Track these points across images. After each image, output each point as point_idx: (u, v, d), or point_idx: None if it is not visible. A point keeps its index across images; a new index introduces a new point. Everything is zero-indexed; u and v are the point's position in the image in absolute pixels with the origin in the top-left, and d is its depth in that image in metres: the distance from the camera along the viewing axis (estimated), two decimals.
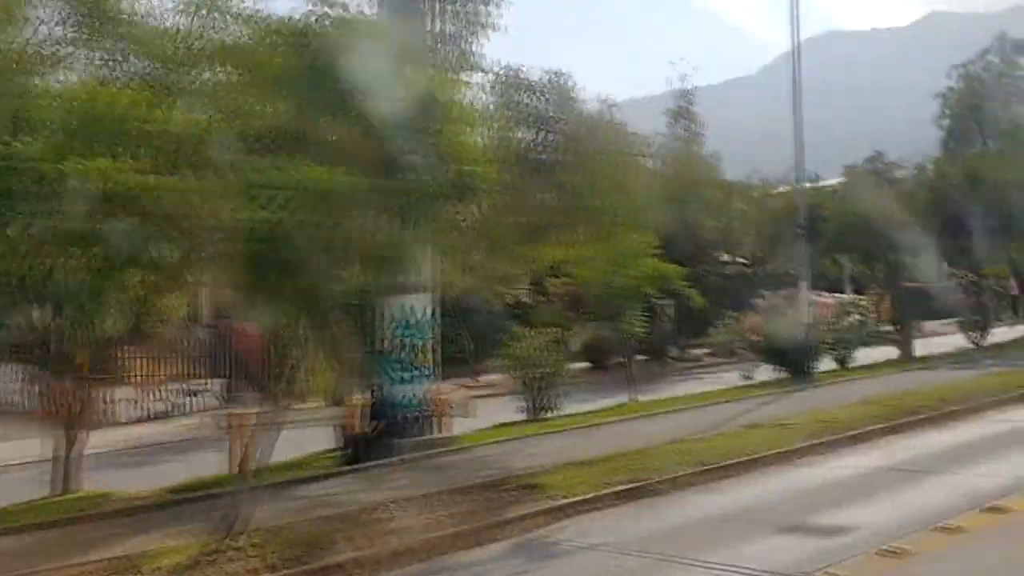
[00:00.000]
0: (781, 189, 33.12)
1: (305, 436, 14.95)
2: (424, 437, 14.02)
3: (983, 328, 28.86)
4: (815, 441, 13.21)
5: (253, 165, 7.85)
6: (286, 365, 10.97)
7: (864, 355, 26.70)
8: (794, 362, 21.40)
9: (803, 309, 21.10)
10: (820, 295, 24.76)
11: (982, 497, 9.66)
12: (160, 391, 22.46)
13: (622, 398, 20.62)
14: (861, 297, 24.31)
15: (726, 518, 9.67)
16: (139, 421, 20.94)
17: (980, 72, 35.09)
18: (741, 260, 39.02)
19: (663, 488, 10.86)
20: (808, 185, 32.58)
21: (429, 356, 14.14)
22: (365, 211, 8.48)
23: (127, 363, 22.87)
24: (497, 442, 14.55)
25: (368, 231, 8.48)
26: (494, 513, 9.92)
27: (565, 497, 10.32)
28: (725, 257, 35.15)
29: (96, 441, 17.04)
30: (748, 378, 21.98)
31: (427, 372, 14.10)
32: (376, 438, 13.57)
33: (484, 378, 28.62)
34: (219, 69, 9.94)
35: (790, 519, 9.32)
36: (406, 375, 13.88)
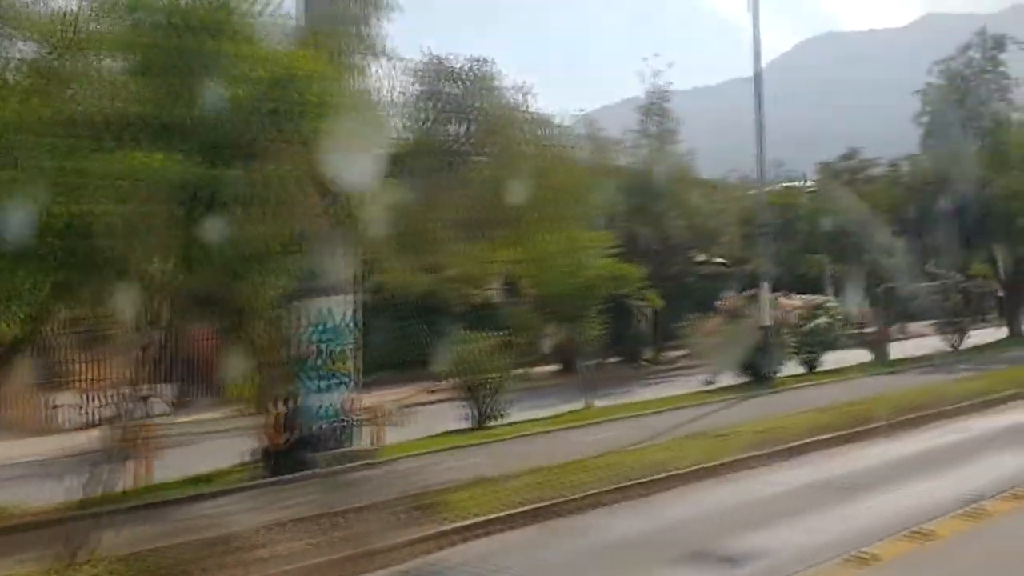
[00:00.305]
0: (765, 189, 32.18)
1: (226, 447, 14.15)
2: (343, 449, 13.11)
3: (961, 330, 27.84)
4: (753, 453, 12.29)
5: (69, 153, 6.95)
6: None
7: (837, 358, 25.75)
8: (755, 366, 20.45)
9: (764, 311, 20.13)
10: (789, 296, 23.80)
11: (914, 518, 8.76)
12: (107, 396, 21.55)
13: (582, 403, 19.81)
14: (831, 298, 23.32)
15: (631, 543, 8.77)
16: (82, 427, 20.05)
17: (961, 68, 34.11)
18: (720, 260, 38.08)
19: (575, 508, 9.96)
20: (787, 184, 31.77)
21: (349, 363, 13.22)
22: (216, 202, 7.57)
23: (72, 367, 22.08)
24: (422, 454, 13.63)
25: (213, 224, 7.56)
26: (384, 536, 9.03)
27: (465, 519, 9.42)
28: (701, 257, 34.19)
29: (31, 449, 16.30)
30: (710, 383, 21.04)
31: (346, 380, 13.18)
32: (289, 451, 12.68)
33: (448, 381, 27.73)
34: (103, 53, 9.11)
35: (697, 544, 8.42)
36: (323, 383, 12.97)
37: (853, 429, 13.75)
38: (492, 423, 17.35)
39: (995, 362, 22.67)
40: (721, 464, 11.65)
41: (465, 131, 12.35)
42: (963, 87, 34.02)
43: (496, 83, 12.51)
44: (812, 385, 20.05)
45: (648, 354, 31.99)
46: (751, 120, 24.08)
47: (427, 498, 10.31)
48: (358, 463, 12.90)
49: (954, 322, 27.72)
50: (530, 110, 12.18)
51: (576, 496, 10.19)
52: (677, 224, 31.50)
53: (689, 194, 31.86)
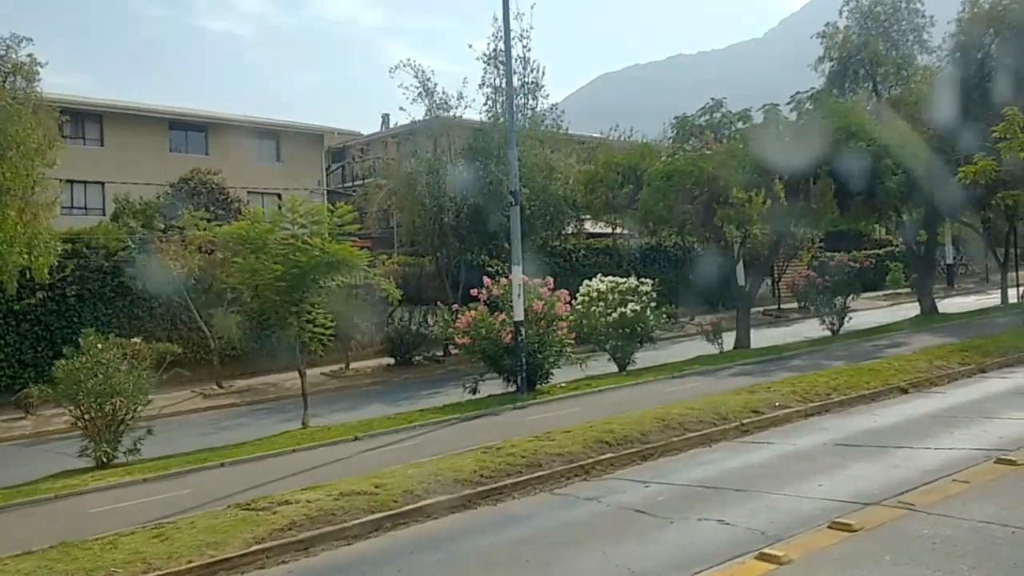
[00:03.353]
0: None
1: None
2: None
3: (839, 313, 22.97)
4: (243, 551, 7.81)
5: None
6: None
7: (681, 351, 21.27)
8: (512, 371, 15.89)
9: (516, 303, 15.47)
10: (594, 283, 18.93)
11: None
12: None
13: (327, 419, 15.68)
14: (646, 281, 18.49)
15: None
16: None
17: (871, 6, 28.76)
18: (626, 230, 33.17)
19: None
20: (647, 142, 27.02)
21: None
22: None
23: None
24: None
25: None
26: None
27: None
28: (570, 228, 29.49)
29: None
30: (473, 391, 16.54)
31: None
32: None
33: (245, 382, 23.47)
34: None
35: None
36: None
37: (454, 495, 9.23)
38: (119, 462, 13.08)
39: (845, 356, 17.84)
40: None
41: None
42: (874, 28, 28.84)
43: None
44: (572, 396, 15.19)
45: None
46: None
47: None
48: None
49: (830, 304, 22.93)
50: None
51: None
52: (538, 191, 26.66)
53: (551, 156, 27.13)
